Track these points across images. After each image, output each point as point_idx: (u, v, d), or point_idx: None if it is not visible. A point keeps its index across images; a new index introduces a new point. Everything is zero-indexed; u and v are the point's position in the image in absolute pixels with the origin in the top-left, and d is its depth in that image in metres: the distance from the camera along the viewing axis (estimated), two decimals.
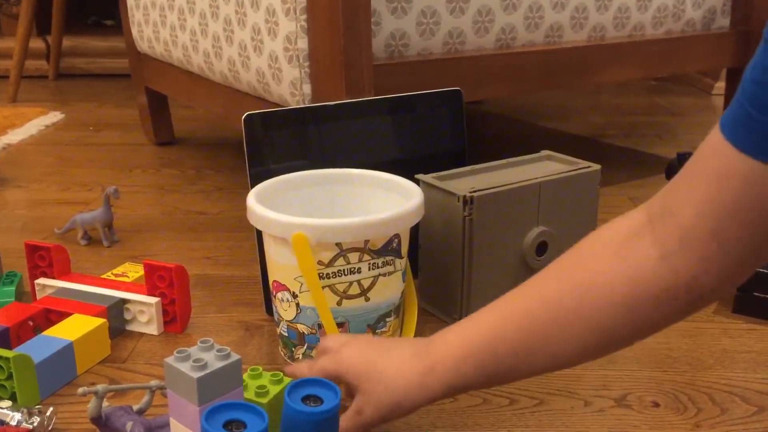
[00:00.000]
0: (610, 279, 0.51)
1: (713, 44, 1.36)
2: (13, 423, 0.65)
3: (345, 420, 0.60)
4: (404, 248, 0.78)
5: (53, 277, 0.89)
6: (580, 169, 0.92)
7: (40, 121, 1.88)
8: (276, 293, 0.77)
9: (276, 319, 0.80)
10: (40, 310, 0.82)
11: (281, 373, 0.65)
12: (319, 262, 0.72)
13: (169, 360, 0.57)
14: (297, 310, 0.75)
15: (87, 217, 1.10)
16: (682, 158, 0.99)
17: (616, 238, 0.52)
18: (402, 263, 0.78)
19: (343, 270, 0.73)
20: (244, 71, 1.13)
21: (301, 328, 0.76)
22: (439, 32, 1.08)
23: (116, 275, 0.92)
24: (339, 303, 0.74)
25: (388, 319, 0.78)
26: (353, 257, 0.73)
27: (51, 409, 0.68)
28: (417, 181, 0.87)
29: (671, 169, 0.99)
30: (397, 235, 0.75)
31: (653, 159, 1.56)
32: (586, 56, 1.23)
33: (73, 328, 0.78)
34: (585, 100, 2.18)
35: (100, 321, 0.80)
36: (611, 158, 1.56)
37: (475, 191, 0.83)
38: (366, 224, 0.72)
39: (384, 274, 0.75)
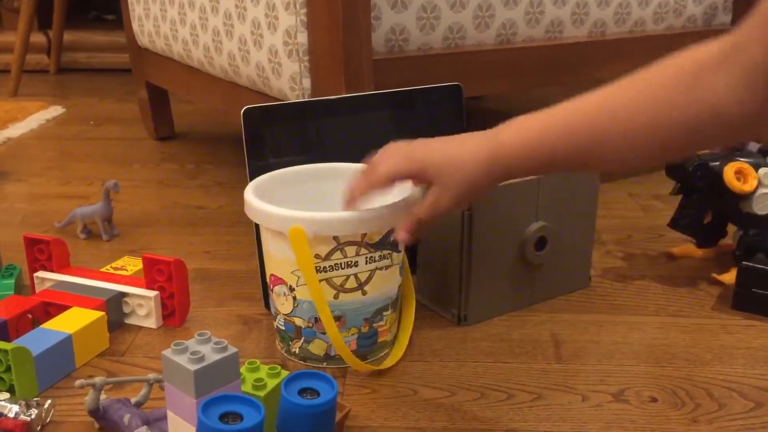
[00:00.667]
0: (678, 101, 0.54)
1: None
2: (11, 415, 0.65)
3: (421, 210, 0.69)
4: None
5: (52, 271, 0.89)
6: None
7: (41, 116, 1.88)
8: (273, 287, 0.77)
9: (273, 312, 0.80)
10: (39, 303, 0.82)
11: (279, 367, 0.65)
12: (316, 256, 0.72)
13: (167, 352, 0.57)
14: (294, 303, 0.75)
15: (87, 211, 1.10)
16: None
17: (689, 67, 0.54)
18: (399, 257, 0.78)
19: (341, 263, 0.73)
20: (244, 65, 1.13)
21: (298, 321, 0.76)
22: (439, 27, 1.07)
23: (115, 269, 0.92)
24: (336, 297, 0.74)
25: (385, 313, 0.78)
26: (350, 251, 0.73)
27: (49, 401, 0.68)
28: None
29: (671, 164, 0.99)
30: (394, 229, 0.75)
31: None
32: (587, 52, 1.22)
33: (72, 321, 0.78)
34: None
35: (98, 314, 0.80)
36: None
37: None
38: (363, 218, 0.72)
39: (381, 268, 0.75)
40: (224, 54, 1.18)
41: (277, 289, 0.76)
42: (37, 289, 0.88)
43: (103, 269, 0.92)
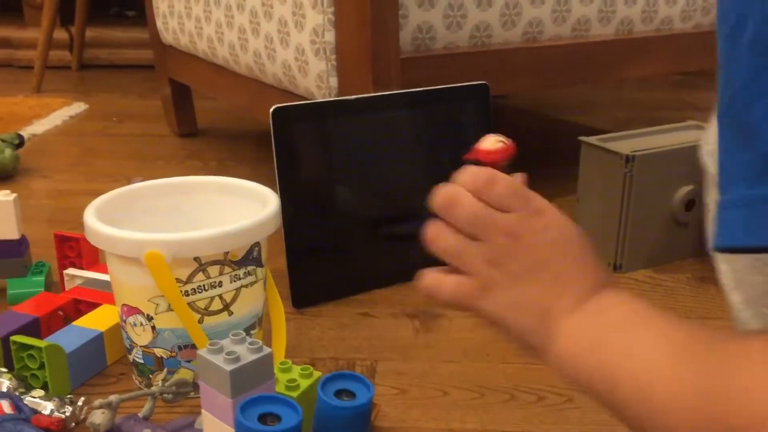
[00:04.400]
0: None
1: None
2: (46, 412, 0.66)
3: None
4: (264, 256, 0.73)
5: (82, 268, 0.89)
6: None
7: (65, 112, 1.89)
8: (126, 318, 0.71)
9: (127, 345, 0.73)
10: (70, 300, 0.83)
11: (311, 368, 0.65)
12: (177, 280, 0.67)
13: (202, 352, 0.57)
14: (153, 333, 0.69)
15: None
16: None
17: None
18: (263, 272, 0.73)
19: (204, 285, 0.68)
20: (270, 64, 1.13)
21: (159, 352, 0.70)
22: (465, 25, 1.07)
23: None
24: (201, 321, 0.69)
25: (252, 332, 0.74)
26: (213, 271, 0.68)
27: (82, 399, 0.69)
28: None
29: None
30: (257, 244, 0.71)
31: None
32: (614, 50, 1.22)
33: (103, 319, 0.78)
34: (607, 94, 2.16)
35: None
36: None
37: (636, 151, 0.95)
38: (225, 235, 0.67)
39: (246, 285, 0.71)
40: (250, 52, 1.18)
41: (131, 319, 0.70)
42: (67, 287, 0.89)
43: None
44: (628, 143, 1.00)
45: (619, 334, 0.41)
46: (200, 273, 0.68)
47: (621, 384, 0.39)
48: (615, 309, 0.43)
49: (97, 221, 0.70)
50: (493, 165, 0.49)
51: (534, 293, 0.45)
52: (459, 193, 0.46)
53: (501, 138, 0.51)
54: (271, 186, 0.80)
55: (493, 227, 0.45)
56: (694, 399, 0.35)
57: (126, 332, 0.72)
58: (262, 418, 0.49)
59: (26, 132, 1.69)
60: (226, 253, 0.68)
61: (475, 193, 0.46)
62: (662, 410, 0.37)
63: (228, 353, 0.56)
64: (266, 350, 0.57)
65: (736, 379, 0.33)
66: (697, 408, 0.35)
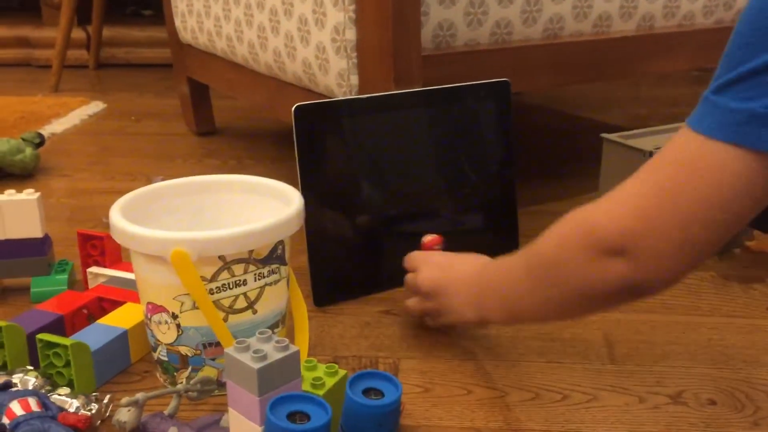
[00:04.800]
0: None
1: None
2: (72, 410, 0.66)
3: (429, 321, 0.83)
4: (288, 254, 0.73)
5: (105, 266, 0.90)
6: None
7: (83, 111, 1.90)
8: (151, 316, 0.71)
9: (152, 343, 0.73)
10: (94, 298, 0.83)
11: (336, 366, 0.65)
12: (202, 278, 0.67)
13: (229, 350, 0.57)
14: (178, 331, 0.70)
15: None
16: None
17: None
18: (286, 270, 0.73)
19: (228, 284, 0.68)
20: (290, 62, 1.13)
21: (184, 350, 0.71)
22: (486, 22, 1.06)
23: None
24: (225, 319, 0.69)
25: (276, 330, 0.74)
26: (238, 269, 0.68)
27: (108, 396, 0.69)
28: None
29: None
30: (281, 242, 0.71)
31: None
32: (635, 46, 1.21)
33: (127, 317, 0.78)
34: (624, 90, 2.14)
35: None
36: None
37: (659, 148, 0.91)
38: (250, 233, 0.67)
39: (270, 284, 0.71)
40: (269, 50, 1.18)
41: (156, 317, 0.70)
42: (90, 285, 0.89)
43: None
44: (650, 140, 1.00)
45: (491, 283, 0.72)
46: (225, 271, 0.68)
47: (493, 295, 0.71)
48: (482, 275, 0.73)
49: (123, 220, 0.70)
50: (430, 249, 0.86)
51: (458, 297, 0.75)
52: (405, 276, 0.83)
53: (433, 235, 0.87)
54: (291, 184, 0.80)
55: (412, 286, 0.81)
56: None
57: (151, 330, 0.72)
58: (291, 416, 0.49)
59: (45, 131, 1.70)
60: (251, 252, 0.68)
61: (407, 269, 0.83)
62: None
63: (255, 351, 0.56)
64: (293, 348, 0.57)
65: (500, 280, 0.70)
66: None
